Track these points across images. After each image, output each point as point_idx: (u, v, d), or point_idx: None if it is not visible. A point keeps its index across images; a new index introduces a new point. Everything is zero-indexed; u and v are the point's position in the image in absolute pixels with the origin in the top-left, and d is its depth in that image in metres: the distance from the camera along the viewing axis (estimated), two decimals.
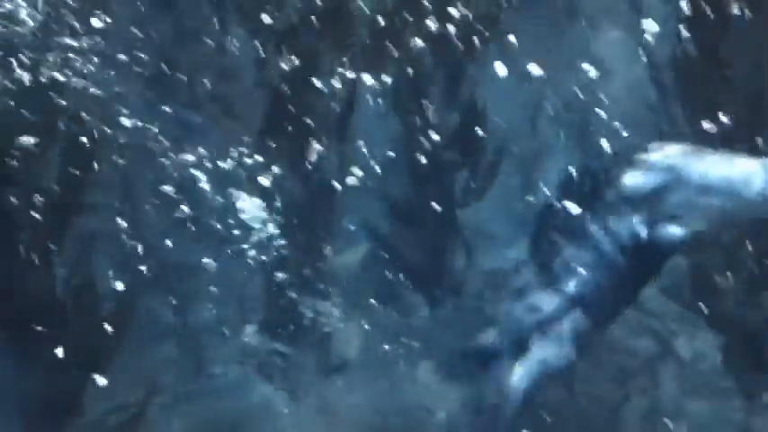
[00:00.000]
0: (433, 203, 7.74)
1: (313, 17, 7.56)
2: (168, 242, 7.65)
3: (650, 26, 7.46)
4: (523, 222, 7.68)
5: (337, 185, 7.79)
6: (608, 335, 6.92)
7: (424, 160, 7.72)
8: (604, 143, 7.47)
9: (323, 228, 7.92)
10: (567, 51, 7.51)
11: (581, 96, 7.62)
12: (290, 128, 7.71)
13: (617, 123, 7.54)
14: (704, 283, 7.08)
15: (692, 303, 7.13)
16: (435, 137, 7.71)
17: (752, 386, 6.94)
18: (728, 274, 7.03)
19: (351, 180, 7.80)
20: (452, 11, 7.56)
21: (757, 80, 7.04)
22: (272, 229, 7.91)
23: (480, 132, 7.70)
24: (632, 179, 6.04)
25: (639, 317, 7.26)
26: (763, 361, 6.88)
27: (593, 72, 7.58)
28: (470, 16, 7.61)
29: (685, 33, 7.15)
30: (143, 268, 7.57)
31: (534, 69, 7.43)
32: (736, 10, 7.01)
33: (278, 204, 7.92)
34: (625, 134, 7.47)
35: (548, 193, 7.40)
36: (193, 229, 7.77)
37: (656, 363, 7.18)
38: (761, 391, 6.92)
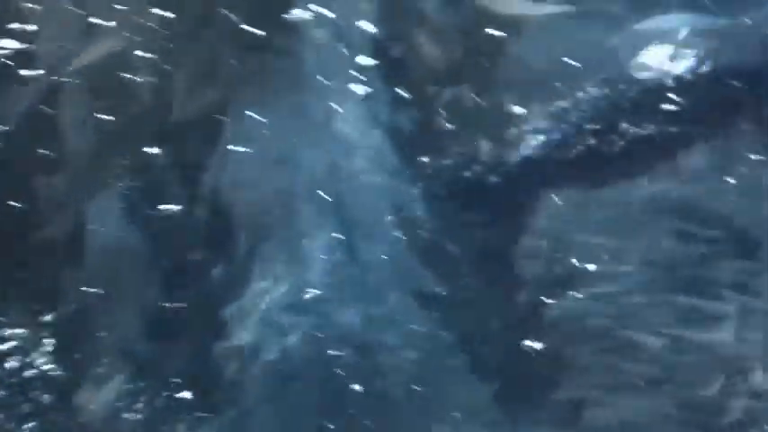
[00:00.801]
0: (193, 309, 6.98)
1: None
2: None
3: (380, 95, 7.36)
4: (294, 310, 7.06)
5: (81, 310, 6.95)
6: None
7: (174, 264, 7.03)
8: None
9: (72, 367, 6.99)
10: (310, 131, 7.19)
11: (330, 174, 7.24)
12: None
13: (366, 196, 7.21)
14: (471, 335, 7.17)
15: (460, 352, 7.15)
16: (177, 237, 7.06)
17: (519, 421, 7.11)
18: (491, 325, 7.19)
19: (99, 301, 6.99)
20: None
21: None
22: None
23: (230, 224, 7.11)
24: None
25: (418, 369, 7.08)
26: (528, 398, 7.13)
27: (336, 149, 7.28)
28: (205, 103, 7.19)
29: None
30: None
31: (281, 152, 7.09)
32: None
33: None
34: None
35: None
36: None
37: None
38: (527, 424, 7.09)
